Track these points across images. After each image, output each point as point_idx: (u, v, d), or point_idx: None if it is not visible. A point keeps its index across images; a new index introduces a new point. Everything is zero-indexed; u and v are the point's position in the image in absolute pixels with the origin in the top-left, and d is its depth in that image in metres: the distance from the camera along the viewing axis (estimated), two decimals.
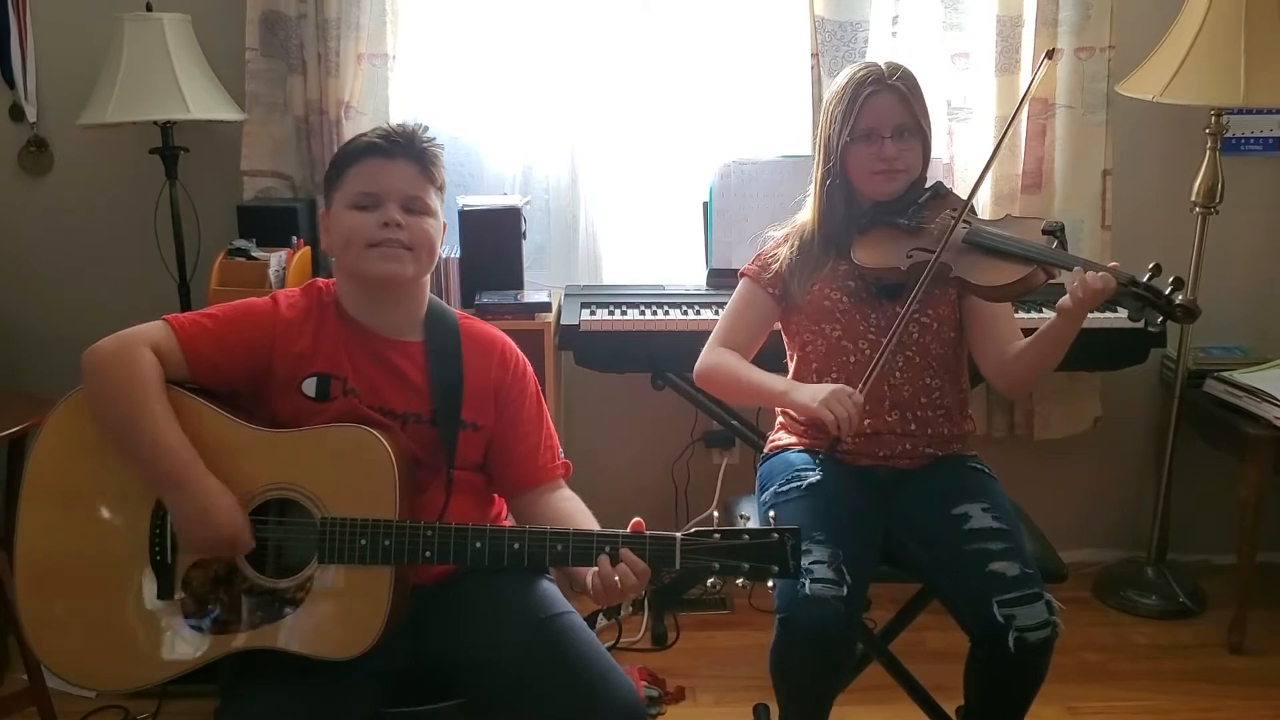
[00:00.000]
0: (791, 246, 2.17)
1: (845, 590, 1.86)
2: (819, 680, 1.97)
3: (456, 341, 1.83)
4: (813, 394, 1.97)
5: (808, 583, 1.85)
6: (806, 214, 2.20)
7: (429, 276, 1.85)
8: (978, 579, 1.89)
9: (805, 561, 1.88)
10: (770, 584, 1.59)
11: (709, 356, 2.17)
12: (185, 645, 1.64)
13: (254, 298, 1.81)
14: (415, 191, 1.76)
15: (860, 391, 1.94)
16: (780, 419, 2.27)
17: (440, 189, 1.81)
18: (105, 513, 1.66)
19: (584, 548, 1.62)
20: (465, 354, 1.82)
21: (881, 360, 1.98)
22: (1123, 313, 1.91)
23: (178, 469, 1.62)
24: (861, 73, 2.10)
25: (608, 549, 1.61)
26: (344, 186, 1.77)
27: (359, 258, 1.74)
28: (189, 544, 1.63)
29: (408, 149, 1.76)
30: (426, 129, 1.81)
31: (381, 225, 1.73)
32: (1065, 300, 1.89)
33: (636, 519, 1.64)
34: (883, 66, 2.10)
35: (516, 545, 1.64)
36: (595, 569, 1.61)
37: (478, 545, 1.64)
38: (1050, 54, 2.24)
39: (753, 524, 1.60)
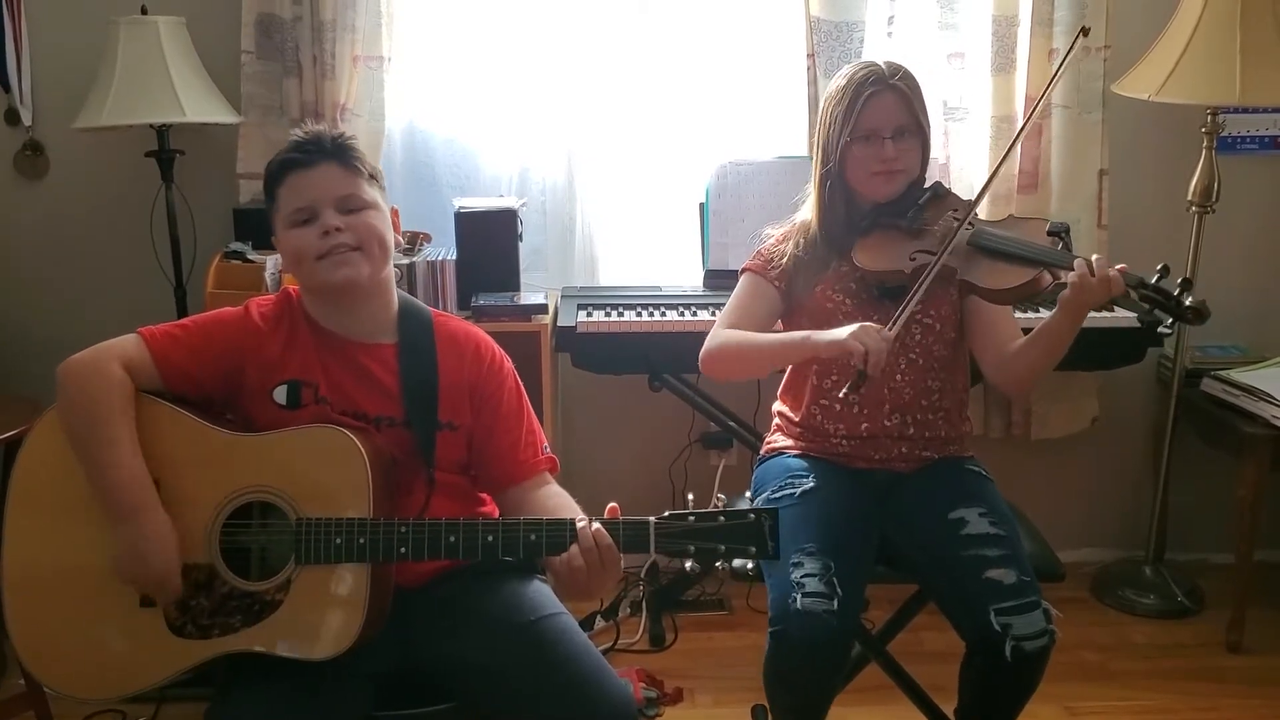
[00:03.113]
0: (796, 244, 2.16)
1: (836, 604, 1.85)
2: (812, 692, 1.97)
3: (430, 341, 1.82)
4: (840, 330, 1.91)
5: (799, 596, 1.85)
6: (807, 214, 2.19)
7: (392, 275, 1.84)
8: (975, 586, 1.89)
9: (797, 575, 1.88)
10: (750, 566, 1.58)
11: (712, 340, 2.12)
12: (170, 651, 1.64)
13: (227, 307, 1.81)
14: (345, 190, 1.75)
15: (889, 330, 1.88)
16: (776, 420, 2.27)
17: (373, 177, 1.79)
18: (88, 521, 1.66)
19: (557, 536, 1.61)
20: (440, 353, 1.81)
21: (910, 305, 1.93)
22: (1121, 312, 1.90)
23: (128, 501, 1.62)
24: (862, 72, 2.08)
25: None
26: (280, 208, 1.76)
27: (312, 272, 1.74)
28: (120, 573, 1.63)
29: (322, 151, 1.75)
30: (335, 124, 1.80)
31: (322, 235, 1.72)
32: (1067, 292, 1.87)
33: (611, 504, 1.63)
34: (883, 66, 2.08)
35: (490, 537, 1.63)
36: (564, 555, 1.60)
37: (451, 539, 1.63)
38: (1085, 31, 2.17)
39: None
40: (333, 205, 1.73)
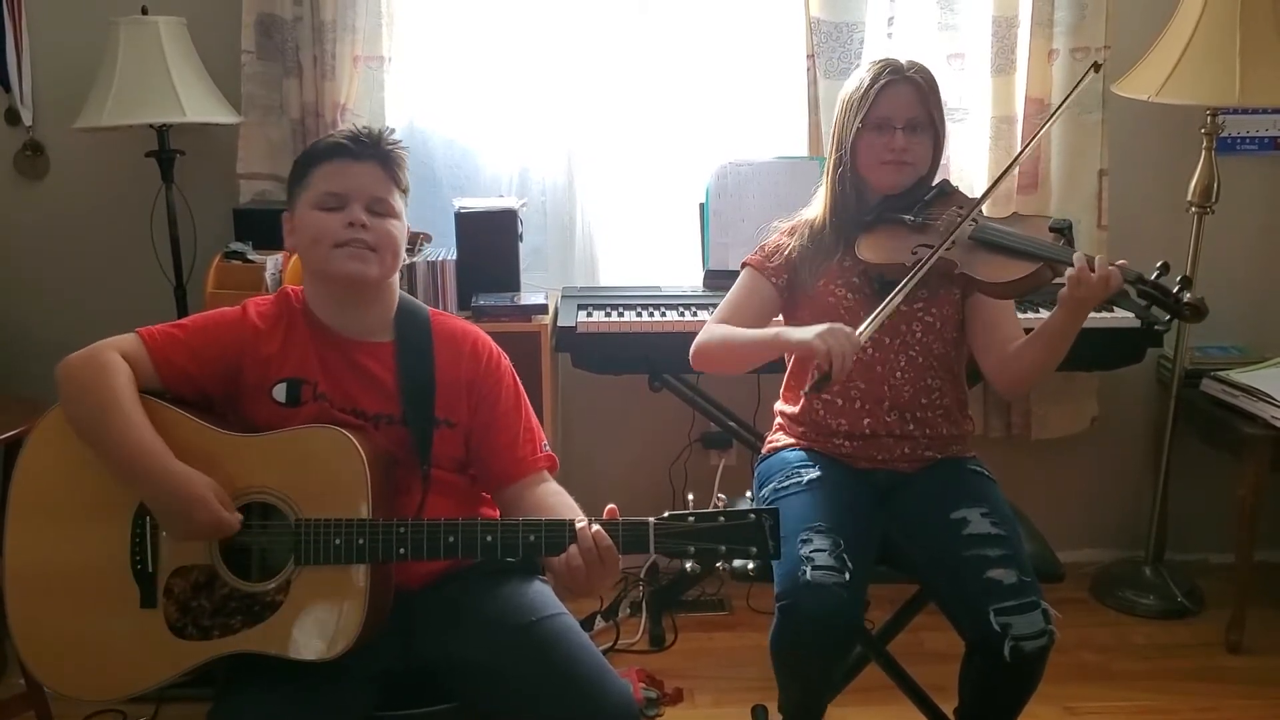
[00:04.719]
0: (801, 236, 2.17)
1: (847, 576, 1.86)
2: (819, 666, 1.97)
3: (428, 339, 1.83)
4: (808, 330, 1.91)
5: (809, 569, 1.85)
6: (817, 209, 2.20)
7: (398, 277, 1.85)
8: (975, 586, 1.89)
9: (806, 550, 1.88)
10: (750, 567, 1.58)
11: (702, 334, 2.14)
12: (171, 653, 1.64)
13: (225, 307, 1.81)
14: (380, 193, 1.77)
15: (859, 334, 1.89)
16: (778, 420, 2.27)
17: (404, 192, 1.82)
18: (88, 523, 1.66)
19: (556, 536, 1.61)
20: (437, 351, 1.82)
21: (885, 312, 1.93)
22: (1120, 312, 1.90)
23: (150, 463, 1.62)
24: (880, 64, 2.11)
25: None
26: (310, 187, 1.77)
27: (325, 258, 1.74)
28: (174, 535, 1.64)
29: (374, 151, 1.77)
30: (393, 131, 1.82)
31: (347, 225, 1.73)
32: (1066, 289, 1.88)
33: (610, 506, 1.63)
34: (902, 61, 2.11)
35: (489, 537, 1.63)
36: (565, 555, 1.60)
37: (450, 539, 1.63)
38: (1096, 67, 2.19)
39: None
40: (363, 202, 1.75)
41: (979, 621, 1.86)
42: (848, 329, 1.88)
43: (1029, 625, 1.84)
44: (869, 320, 1.92)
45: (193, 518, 1.61)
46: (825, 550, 1.88)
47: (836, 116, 2.17)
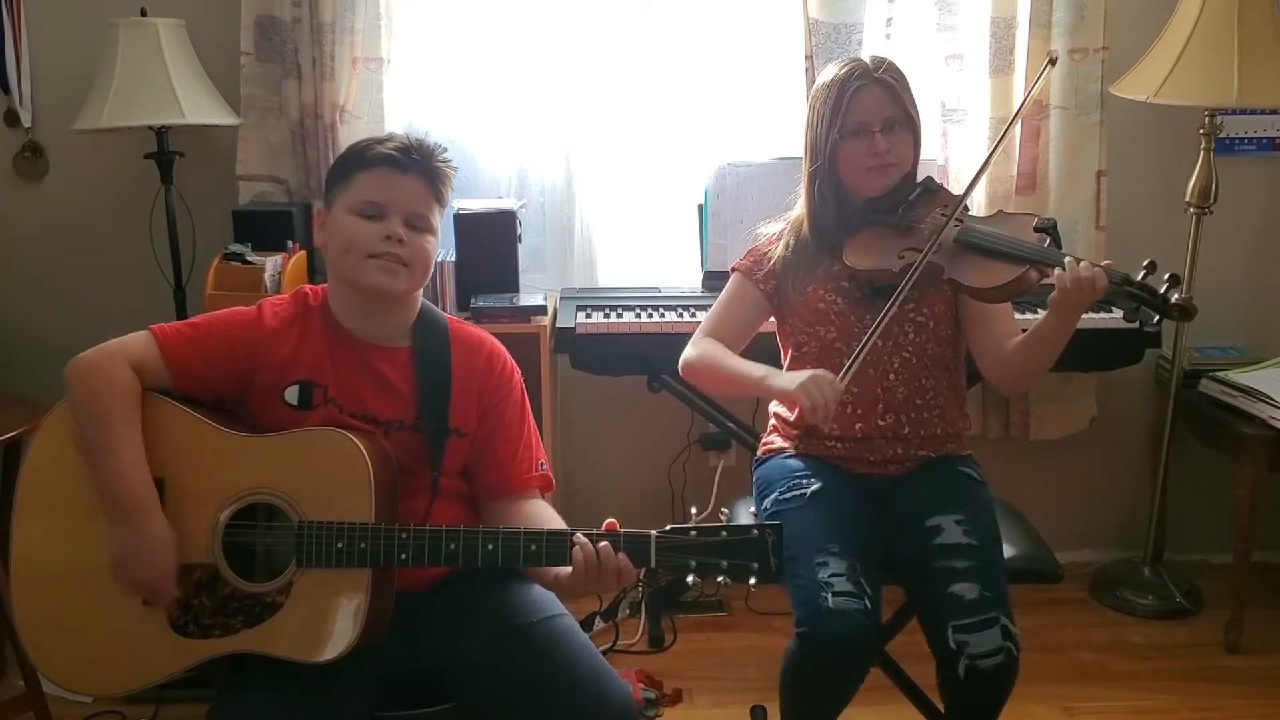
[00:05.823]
0: (787, 244, 2.16)
1: (867, 602, 1.84)
2: (835, 695, 1.95)
3: (446, 347, 1.82)
4: (791, 379, 1.90)
5: (829, 596, 1.82)
6: (800, 212, 2.19)
7: (422, 290, 1.84)
8: (937, 599, 1.88)
9: (823, 575, 1.86)
10: (752, 583, 1.57)
11: (693, 347, 2.13)
12: (172, 650, 1.64)
13: (241, 306, 1.81)
14: (420, 209, 1.76)
15: (840, 380, 1.87)
16: (772, 421, 2.27)
17: (443, 208, 1.81)
18: (93, 520, 1.66)
19: (558, 546, 1.62)
20: (454, 360, 1.82)
21: (864, 351, 1.92)
22: (1118, 313, 1.89)
23: (128, 506, 1.62)
24: (847, 68, 2.07)
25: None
26: (350, 191, 1.75)
27: (356, 266, 1.73)
28: (115, 576, 1.64)
29: (422, 166, 1.75)
30: (445, 149, 1.80)
31: (384, 238, 1.72)
32: (1055, 295, 1.87)
33: (610, 520, 1.63)
34: (867, 61, 2.08)
35: (490, 546, 1.63)
36: (574, 549, 1.59)
37: (451, 546, 1.63)
38: (1053, 61, 2.19)
39: None
40: (403, 215, 1.74)
41: (938, 636, 1.85)
42: (830, 376, 1.86)
43: (985, 643, 1.81)
44: (848, 365, 1.91)
45: (139, 573, 1.62)
46: (843, 575, 1.85)
47: (808, 124, 2.14)
